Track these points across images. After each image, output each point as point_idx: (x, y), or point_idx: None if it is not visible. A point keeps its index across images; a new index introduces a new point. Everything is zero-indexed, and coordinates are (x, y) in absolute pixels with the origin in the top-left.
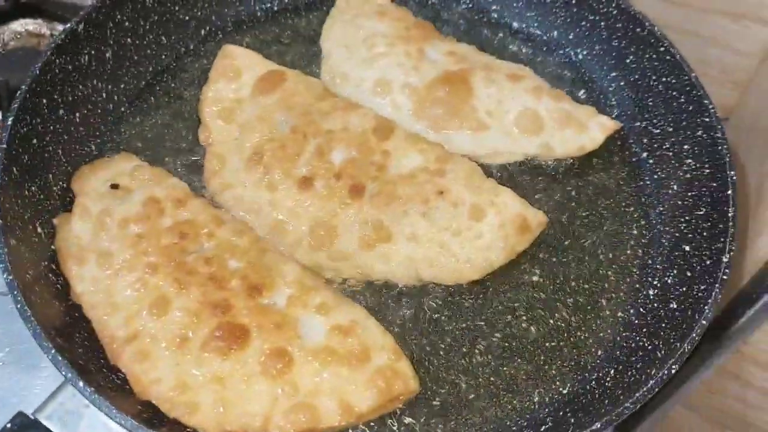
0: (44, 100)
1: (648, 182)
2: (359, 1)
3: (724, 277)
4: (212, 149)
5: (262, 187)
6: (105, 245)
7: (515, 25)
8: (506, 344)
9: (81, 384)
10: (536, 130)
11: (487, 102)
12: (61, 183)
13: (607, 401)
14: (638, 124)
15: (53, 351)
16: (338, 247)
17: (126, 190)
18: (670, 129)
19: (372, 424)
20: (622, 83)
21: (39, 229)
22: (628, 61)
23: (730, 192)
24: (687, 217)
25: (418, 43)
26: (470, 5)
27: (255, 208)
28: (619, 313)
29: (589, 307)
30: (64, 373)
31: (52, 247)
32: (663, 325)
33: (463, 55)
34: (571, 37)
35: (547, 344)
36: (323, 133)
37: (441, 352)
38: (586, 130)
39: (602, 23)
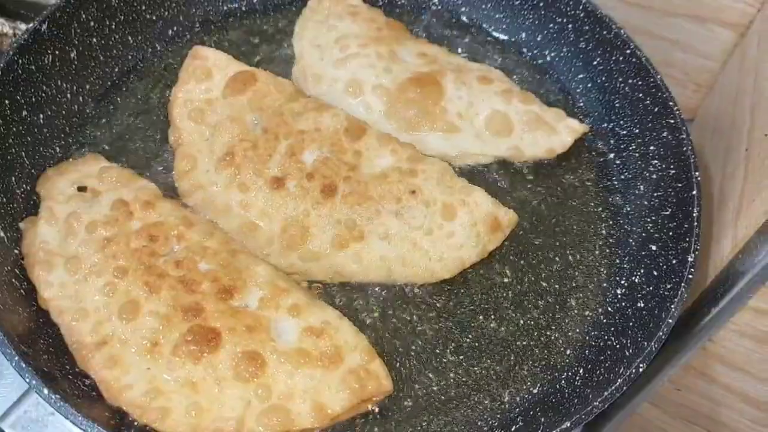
0: (6, 101)
1: (615, 183)
2: (331, 2)
3: (690, 276)
4: (182, 150)
5: (234, 187)
6: (73, 249)
7: (484, 26)
8: (477, 344)
9: (45, 391)
10: (506, 133)
11: (457, 104)
12: (24, 186)
13: (576, 400)
14: (605, 125)
15: (17, 358)
16: (310, 247)
17: (94, 193)
18: (637, 130)
19: (343, 424)
20: (589, 85)
21: (2, 234)
22: (595, 63)
23: (695, 192)
24: (653, 217)
25: (389, 44)
26: (440, 6)
27: (226, 209)
28: (588, 313)
29: (558, 307)
30: (28, 380)
31: (16, 251)
32: (631, 324)
33: (434, 57)
34: (539, 39)
35: (517, 344)
36: (295, 134)
37: (412, 353)
38: (556, 132)
39: (570, 26)
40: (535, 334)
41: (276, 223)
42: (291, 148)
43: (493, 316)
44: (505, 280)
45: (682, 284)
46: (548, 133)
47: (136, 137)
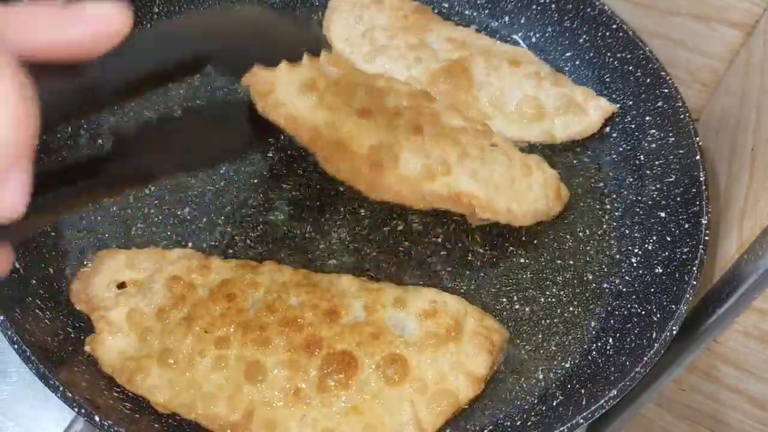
0: None
1: (614, 156)
2: None
3: (707, 238)
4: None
5: (323, 108)
6: (158, 344)
7: (467, 13)
8: (504, 327)
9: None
10: (538, 117)
11: (488, 90)
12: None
13: (613, 368)
14: None
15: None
16: (401, 170)
17: (137, 284)
18: (630, 102)
19: None
20: (577, 62)
21: (17, 265)
22: (581, 40)
23: (698, 157)
24: (658, 185)
25: (417, 32)
26: None
27: (315, 127)
28: (606, 285)
29: (576, 281)
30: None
31: (33, 281)
32: (652, 290)
33: (463, 41)
34: (522, 21)
35: (542, 322)
36: (370, 85)
37: None
38: (586, 114)
39: (552, 5)
40: (558, 311)
41: (365, 144)
42: (371, 90)
43: (515, 298)
44: (522, 260)
45: (700, 246)
46: (578, 115)
47: None
